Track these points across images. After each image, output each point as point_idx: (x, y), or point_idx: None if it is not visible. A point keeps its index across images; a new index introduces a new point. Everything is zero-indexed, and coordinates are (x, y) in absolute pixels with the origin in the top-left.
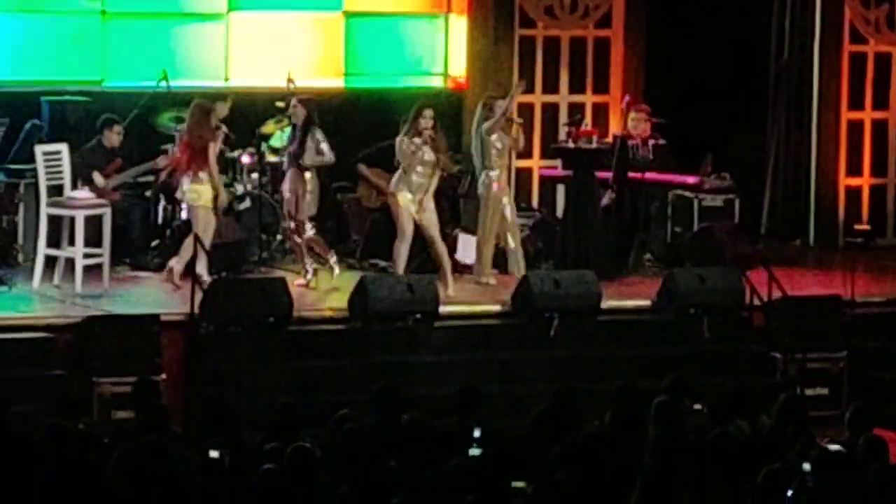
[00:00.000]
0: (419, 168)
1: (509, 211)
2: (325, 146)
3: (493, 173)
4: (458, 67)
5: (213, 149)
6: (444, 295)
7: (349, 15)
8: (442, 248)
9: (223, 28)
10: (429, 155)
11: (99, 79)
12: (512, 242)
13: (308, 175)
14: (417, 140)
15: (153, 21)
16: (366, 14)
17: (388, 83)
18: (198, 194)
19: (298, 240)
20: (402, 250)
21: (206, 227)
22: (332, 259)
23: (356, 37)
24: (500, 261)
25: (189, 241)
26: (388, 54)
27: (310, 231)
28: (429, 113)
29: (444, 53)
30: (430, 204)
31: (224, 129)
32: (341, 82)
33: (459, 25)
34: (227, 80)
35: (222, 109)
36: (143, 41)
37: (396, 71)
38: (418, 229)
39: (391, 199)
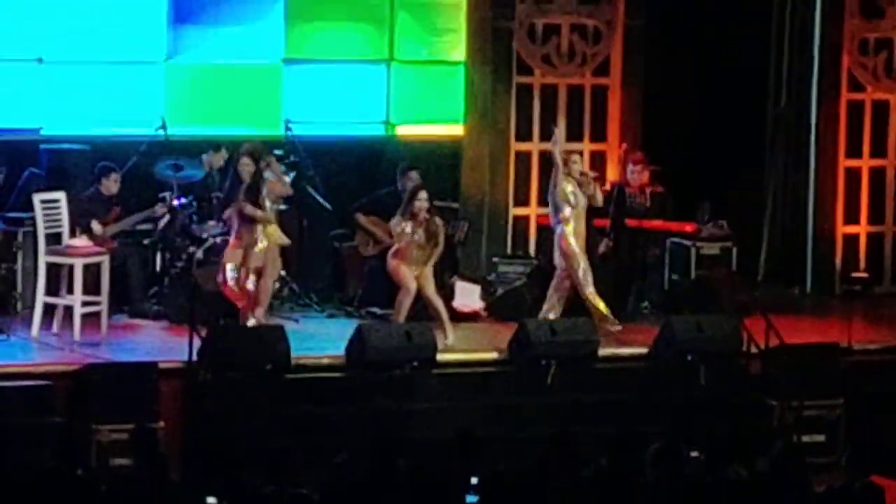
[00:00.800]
0: (415, 249)
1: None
2: (268, 201)
3: (567, 228)
4: (400, 115)
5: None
6: (444, 343)
7: (288, 62)
8: (438, 301)
9: (161, 76)
10: (424, 237)
11: (37, 126)
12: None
13: (260, 228)
14: (412, 224)
15: (90, 68)
16: (306, 61)
17: (329, 131)
18: (268, 236)
19: (251, 288)
20: (406, 302)
21: (275, 266)
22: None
23: (295, 85)
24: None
25: (266, 286)
26: (328, 102)
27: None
28: (423, 195)
29: (386, 101)
30: (428, 272)
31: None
32: (280, 131)
33: (406, 74)
34: (165, 128)
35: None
36: (81, 88)
37: (337, 119)
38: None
39: (389, 266)
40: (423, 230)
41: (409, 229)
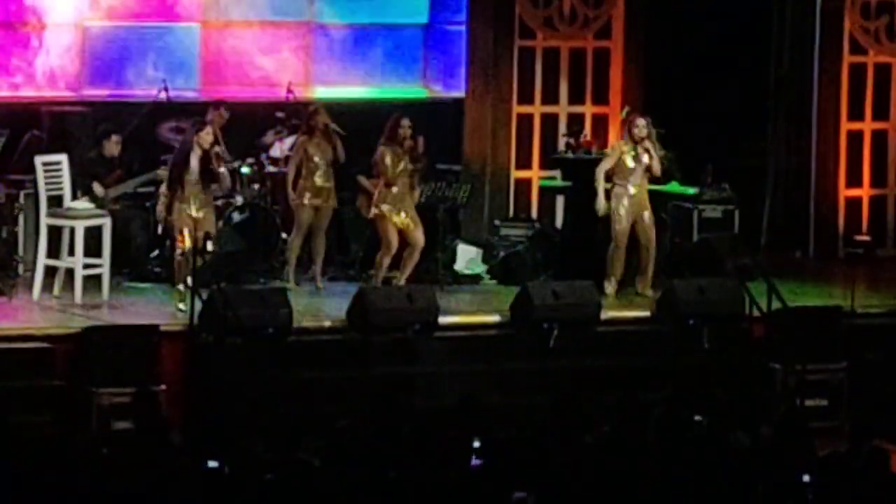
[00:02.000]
0: (399, 178)
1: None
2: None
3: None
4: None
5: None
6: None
7: (206, 25)
8: (417, 250)
9: (78, 37)
10: (408, 164)
11: None
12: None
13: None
14: (398, 150)
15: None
16: (224, 25)
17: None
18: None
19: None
20: (385, 261)
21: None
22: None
23: (215, 47)
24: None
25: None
26: (244, 65)
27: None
28: (406, 122)
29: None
30: (412, 212)
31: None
32: (198, 95)
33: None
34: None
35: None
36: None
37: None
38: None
39: (376, 213)
40: (407, 157)
41: (395, 159)
